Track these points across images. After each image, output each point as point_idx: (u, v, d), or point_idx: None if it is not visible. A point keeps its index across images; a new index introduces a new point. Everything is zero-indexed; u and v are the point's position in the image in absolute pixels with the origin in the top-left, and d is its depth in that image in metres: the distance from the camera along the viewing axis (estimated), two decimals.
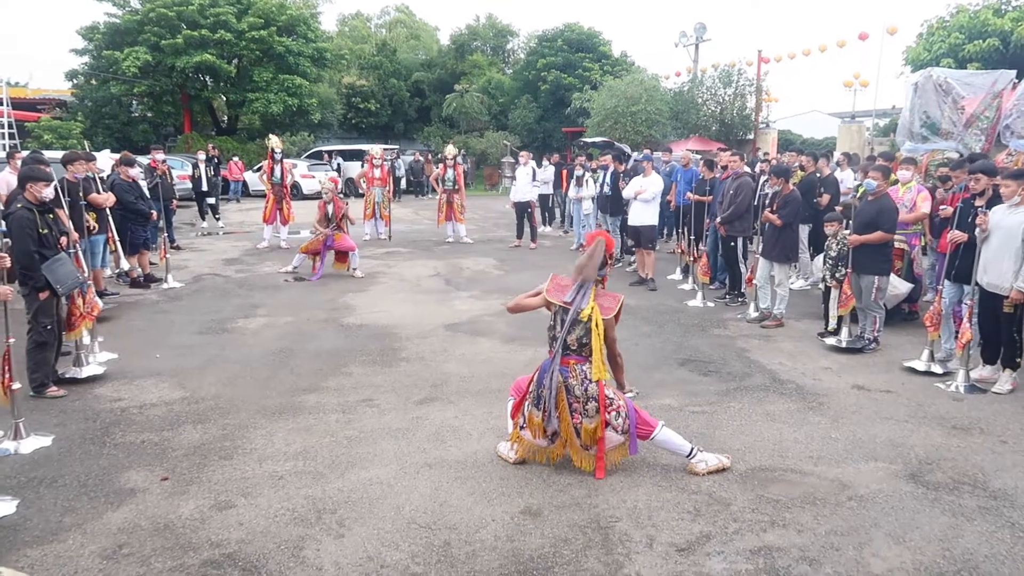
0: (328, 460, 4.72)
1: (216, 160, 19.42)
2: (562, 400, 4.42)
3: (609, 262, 4.71)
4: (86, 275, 6.67)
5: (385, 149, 18.71)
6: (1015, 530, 3.86)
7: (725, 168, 9.96)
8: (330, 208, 11.30)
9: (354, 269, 11.41)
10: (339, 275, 11.43)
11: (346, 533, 3.84)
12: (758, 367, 6.74)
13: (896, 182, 8.09)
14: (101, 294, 9.17)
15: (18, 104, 27.47)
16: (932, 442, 5.03)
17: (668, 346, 7.46)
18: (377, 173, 15.36)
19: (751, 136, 27.90)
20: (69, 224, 6.76)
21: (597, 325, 4.39)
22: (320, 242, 11.22)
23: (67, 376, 6.22)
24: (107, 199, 9.06)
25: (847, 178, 11.00)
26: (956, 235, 6.36)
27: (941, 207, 7.83)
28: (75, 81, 30.93)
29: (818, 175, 10.00)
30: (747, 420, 5.42)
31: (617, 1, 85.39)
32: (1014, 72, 10.13)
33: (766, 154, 20.71)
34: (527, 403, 4.58)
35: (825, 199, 9.66)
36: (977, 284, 6.13)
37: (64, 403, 5.74)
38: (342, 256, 11.47)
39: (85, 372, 6.30)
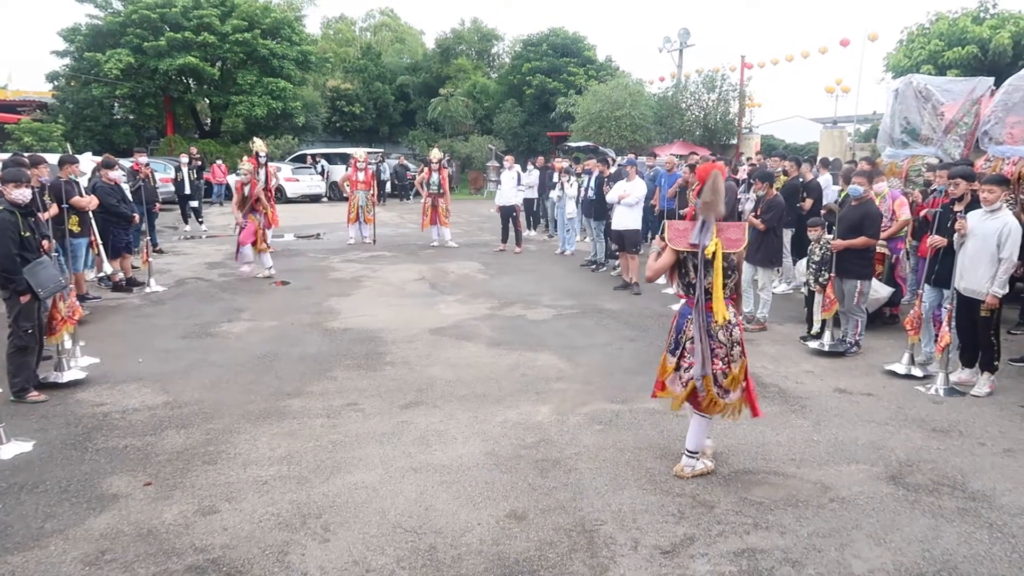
0: (313, 465, 4.71)
1: (199, 164, 19.27)
2: (705, 346, 4.33)
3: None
4: (67, 279, 6.61)
5: (369, 153, 18.68)
6: (993, 531, 3.92)
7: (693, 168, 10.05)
8: (246, 190, 11.30)
9: (269, 268, 11.45)
10: (324, 278, 11.39)
11: (331, 538, 3.83)
12: None
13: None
14: (82, 298, 9.10)
15: None
16: (912, 444, 5.09)
17: (652, 350, 7.48)
18: (361, 176, 15.34)
19: (734, 141, 28.10)
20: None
21: (720, 261, 4.28)
22: (251, 231, 11.30)
23: (48, 381, 6.15)
24: (90, 202, 8.99)
25: (825, 182, 11.10)
26: (936, 240, 6.44)
27: (923, 211, 7.92)
28: (56, 83, 30.63)
29: (801, 180, 10.09)
30: (731, 423, 5.43)
31: (602, 6, 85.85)
32: (992, 79, 10.26)
33: (749, 159, 20.89)
34: (665, 351, 4.61)
35: (808, 203, 9.74)
36: (955, 288, 6.22)
37: (45, 408, 5.68)
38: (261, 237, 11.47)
39: (66, 377, 6.23)
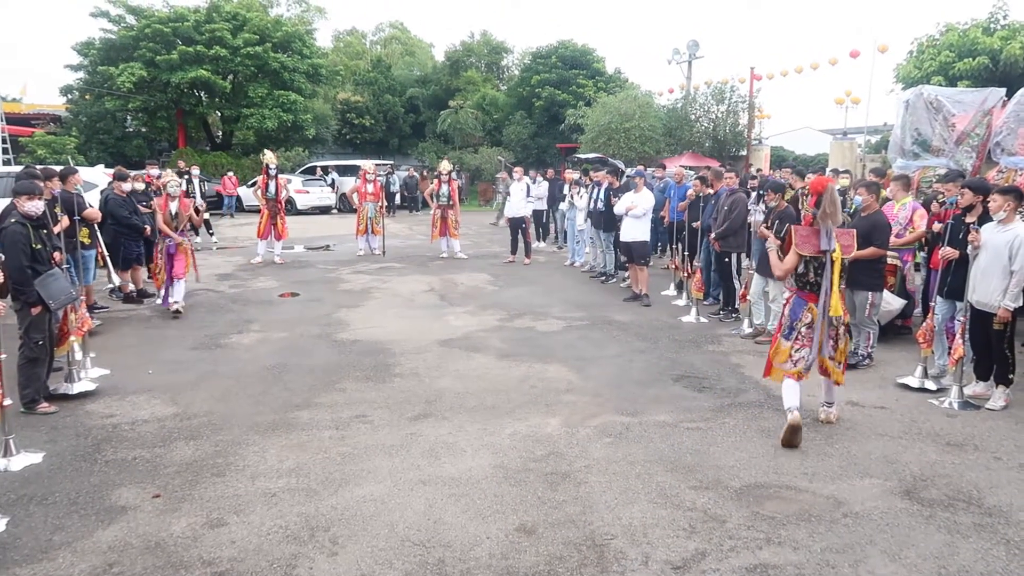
0: (321, 477, 4.69)
1: (187, 176, 17.97)
2: (824, 332, 5.29)
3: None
4: (78, 290, 6.65)
5: (378, 165, 18.75)
6: (1010, 547, 3.86)
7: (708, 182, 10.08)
8: (174, 207, 9.55)
9: (174, 302, 9.43)
10: (333, 290, 11.41)
11: (339, 551, 3.81)
12: (752, 383, 6.74)
13: (887, 200, 8.14)
14: (91, 308, 9.15)
15: (12, 119, 27.43)
16: (926, 459, 5.03)
17: (663, 362, 7.46)
18: (370, 188, 15.43)
19: (744, 152, 28.05)
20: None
21: (839, 263, 5.18)
22: (183, 264, 9.55)
23: (58, 392, 6.17)
24: (95, 214, 9.02)
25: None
26: (948, 252, 6.39)
27: (934, 223, 7.87)
28: (70, 96, 30.95)
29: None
30: (742, 436, 5.41)
31: (611, 19, 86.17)
32: (1004, 90, 10.22)
33: (759, 170, 20.82)
34: (779, 336, 5.47)
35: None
36: (968, 301, 6.16)
37: (55, 419, 5.69)
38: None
39: (76, 388, 6.26)
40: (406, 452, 5.10)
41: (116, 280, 10.24)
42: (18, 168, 9.74)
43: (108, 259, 9.68)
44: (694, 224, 9.95)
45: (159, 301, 9.85)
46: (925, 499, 4.41)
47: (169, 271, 9.47)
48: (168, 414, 5.85)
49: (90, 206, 9.18)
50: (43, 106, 33.15)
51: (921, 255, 8.38)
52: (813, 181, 5.43)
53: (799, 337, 5.31)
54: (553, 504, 4.32)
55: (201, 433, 5.44)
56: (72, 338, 6.29)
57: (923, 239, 8.08)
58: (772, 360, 5.49)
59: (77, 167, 9.18)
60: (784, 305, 5.56)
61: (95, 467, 4.83)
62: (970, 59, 19.51)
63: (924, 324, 6.60)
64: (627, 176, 12.27)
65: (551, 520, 4.13)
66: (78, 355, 6.54)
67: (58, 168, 8.66)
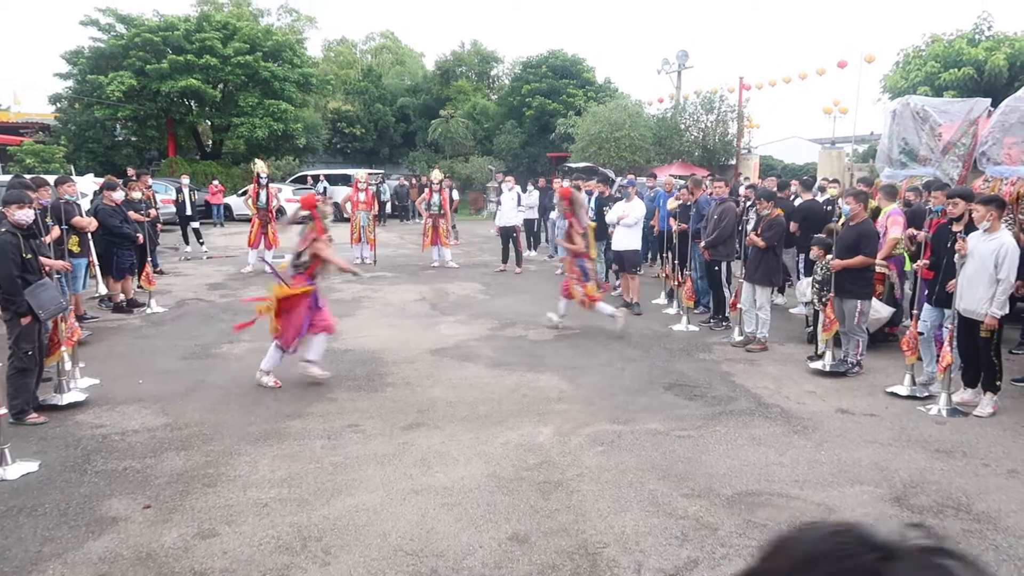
0: (313, 487, 4.68)
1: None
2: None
3: None
4: (68, 300, 6.62)
5: (370, 174, 18.75)
6: (999, 553, 3.89)
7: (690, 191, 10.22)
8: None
9: (309, 362, 6.99)
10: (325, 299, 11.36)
11: (332, 561, 3.80)
12: (743, 391, 6.77)
13: (879, 209, 8.23)
14: (80, 318, 9.10)
15: (1, 128, 27.33)
16: (916, 465, 5.06)
17: (654, 370, 7.48)
18: (362, 197, 15.43)
19: (733, 162, 28.21)
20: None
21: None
22: None
23: (48, 403, 6.13)
24: (89, 223, 9.01)
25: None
26: (920, 265, 6.55)
27: (920, 233, 7.95)
28: (59, 105, 30.82)
29: (796, 199, 10.18)
30: (733, 444, 5.44)
31: (601, 29, 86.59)
32: (989, 100, 10.33)
33: (747, 178, 20.92)
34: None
35: (794, 226, 9.79)
36: (956, 309, 6.22)
37: (44, 430, 5.66)
38: None
39: (66, 399, 6.22)
40: (398, 461, 5.09)
41: (103, 289, 10.18)
42: (7, 177, 9.70)
43: (99, 268, 9.63)
44: (681, 227, 10.02)
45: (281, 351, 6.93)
46: (915, 506, 4.45)
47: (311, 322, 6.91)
48: (159, 424, 5.82)
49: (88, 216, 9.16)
50: (32, 115, 33.02)
51: (919, 263, 8.46)
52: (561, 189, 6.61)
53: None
54: (546, 513, 4.33)
55: (192, 443, 5.42)
56: (63, 348, 6.26)
57: (909, 248, 8.16)
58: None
59: (73, 176, 9.17)
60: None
61: (85, 478, 4.80)
62: (955, 70, 19.71)
63: (908, 332, 6.66)
64: (619, 186, 12.33)
65: (544, 529, 4.13)
66: (67, 365, 6.50)
67: (50, 177, 8.64)
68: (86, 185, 13.50)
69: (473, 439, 5.50)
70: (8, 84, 75.37)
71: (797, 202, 10.96)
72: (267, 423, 5.84)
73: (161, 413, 6.08)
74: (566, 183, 14.55)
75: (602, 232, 11.71)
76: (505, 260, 14.77)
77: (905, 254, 8.26)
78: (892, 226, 8.00)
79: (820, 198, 11.30)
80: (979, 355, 6.20)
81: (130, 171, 17.59)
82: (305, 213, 6.85)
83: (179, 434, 5.61)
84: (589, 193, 12.18)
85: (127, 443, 5.42)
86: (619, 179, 16.88)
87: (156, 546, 3.93)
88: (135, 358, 7.87)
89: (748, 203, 9.94)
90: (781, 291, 10.62)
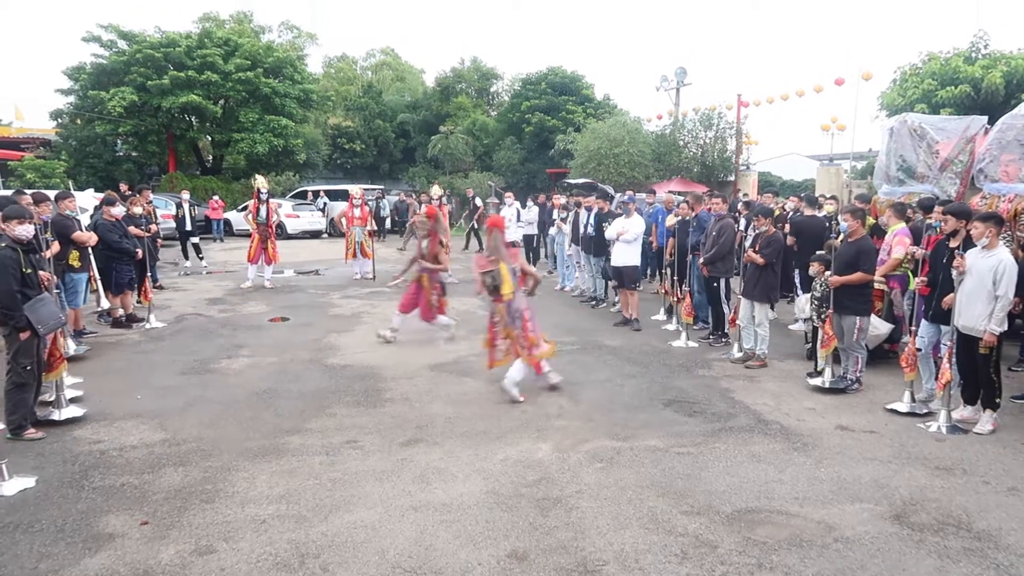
0: (311, 503, 4.66)
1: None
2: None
3: None
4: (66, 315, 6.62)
5: (366, 189, 18.81)
6: (1000, 571, 3.87)
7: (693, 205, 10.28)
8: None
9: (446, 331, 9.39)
10: (324, 314, 11.39)
11: None
12: (743, 408, 6.76)
13: (875, 225, 8.25)
14: (80, 333, 9.10)
15: (2, 143, 27.43)
16: (916, 483, 5.05)
17: (653, 387, 7.47)
18: (358, 212, 15.48)
19: (732, 178, 28.31)
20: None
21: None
22: None
23: (45, 418, 6.11)
24: (89, 238, 9.03)
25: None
26: (919, 283, 6.55)
27: (918, 249, 7.96)
28: (60, 120, 30.95)
29: (797, 213, 10.23)
30: (732, 461, 5.42)
31: (600, 46, 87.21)
32: (985, 118, 10.38)
33: (745, 195, 20.98)
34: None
35: (790, 240, 9.87)
36: (955, 326, 6.22)
37: (42, 445, 5.64)
38: None
39: (64, 414, 6.20)
40: (397, 478, 5.07)
41: (105, 303, 10.18)
42: (8, 192, 9.73)
43: (100, 283, 9.64)
44: (670, 246, 10.07)
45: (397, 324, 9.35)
46: (915, 523, 4.43)
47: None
48: (157, 440, 5.80)
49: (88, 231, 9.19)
50: (33, 130, 33.15)
51: (918, 280, 8.47)
52: (490, 219, 7.29)
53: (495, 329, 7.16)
54: (545, 530, 4.31)
55: (190, 459, 5.40)
56: (63, 364, 6.25)
57: (911, 266, 8.17)
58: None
59: (73, 192, 9.20)
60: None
61: (82, 494, 4.78)
62: (952, 87, 19.82)
63: (907, 348, 6.66)
64: (619, 202, 12.36)
65: (543, 546, 4.11)
66: (68, 380, 6.49)
67: (51, 193, 8.67)
68: (86, 200, 13.56)
69: (472, 455, 5.49)
70: (9, 99, 75.71)
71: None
72: (265, 439, 5.82)
73: (159, 429, 6.06)
74: (434, 203, 14.77)
75: (601, 248, 11.74)
76: None
77: (909, 272, 8.27)
78: (896, 246, 7.97)
79: (819, 214, 11.36)
80: (978, 372, 6.19)
81: (123, 187, 17.63)
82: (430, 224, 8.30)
83: (177, 450, 5.59)
84: (588, 209, 12.22)
85: (125, 459, 5.40)
86: (618, 195, 16.93)
87: (153, 563, 3.91)
88: (134, 373, 7.86)
89: (743, 219, 9.99)
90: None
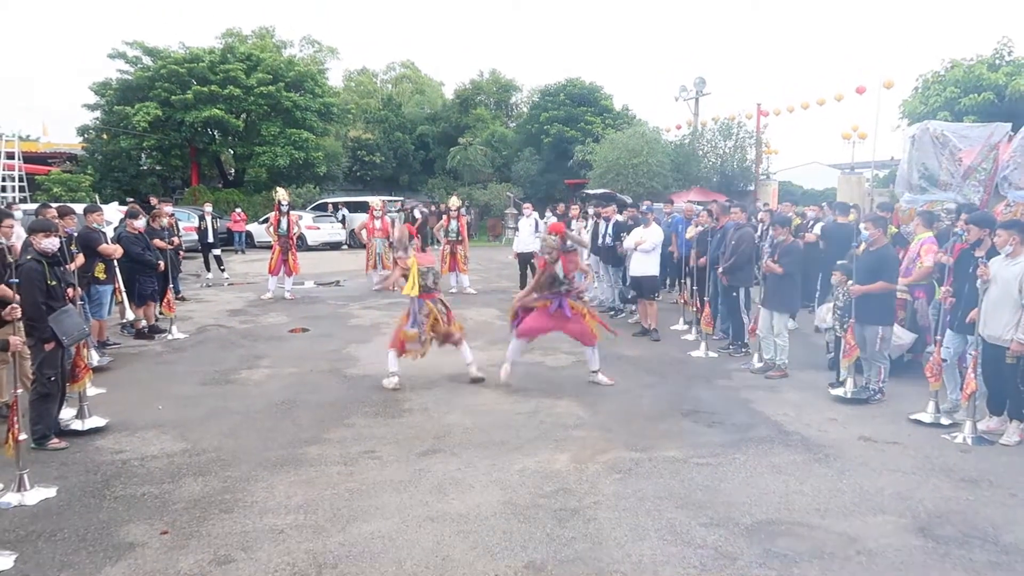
0: (329, 513, 4.67)
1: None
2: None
3: None
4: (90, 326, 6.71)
5: (386, 201, 18.94)
6: None
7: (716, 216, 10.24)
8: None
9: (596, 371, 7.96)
10: (343, 325, 11.45)
11: None
12: (763, 418, 6.69)
13: (897, 234, 8.16)
14: (103, 344, 9.22)
15: (30, 158, 27.90)
16: (940, 495, 4.96)
17: (672, 397, 7.43)
18: (378, 224, 15.57)
19: (752, 187, 28.18)
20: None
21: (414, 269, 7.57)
22: None
23: (69, 428, 6.19)
24: (115, 250, 9.17)
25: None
26: (944, 293, 6.47)
27: (944, 257, 7.86)
28: (86, 135, 31.53)
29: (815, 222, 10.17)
30: (753, 472, 5.37)
31: (618, 57, 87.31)
32: (1009, 125, 10.28)
33: (766, 204, 20.84)
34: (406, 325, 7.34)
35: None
36: (980, 335, 6.13)
37: (65, 455, 5.71)
38: None
39: (87, 424, 6.28)
40: (414, 488, 5.08)
41: (130, 315, 10.32)
42: (34, 206, 9.92)
43: (125, 294, 9.78)
44: (700, 260, 9.97)
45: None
46: (940, 536, 4.35)
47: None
48: (177, 450, 5.85)
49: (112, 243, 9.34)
50: (60, 145, 33.78)
51: (943, 290, 8.36)
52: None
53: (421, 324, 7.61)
54: (562, 541, 4.28)
55: (210, 469, 5.44)
56: (88, 375, 6.33)
57: (936, 275, 8.06)
58: (402, 340, 7.61)
59: (101, 205, 9.36)
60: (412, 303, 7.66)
61: (104, 503, 4.83)
62: (975, 95, 19.61)
63: (931, 358, 6.57)
64: (640, 213, 12.33)
65: (560, 557, 4.09)
66: (90, 391, 6.57)
67: (77, 207, 8.84)
68: (110, 213, 13.77)
69: (489, 466, 5.48)
70: (37, 115, 77.24)
71: (818, 227, 10.99)
72: (284, 449, 5.85)
73: (180, 439, 6.11)
74: (453, 213, 14.73)
75: (619, 258, 11.71)
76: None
77: (934, 282, 8.16)
78: (926, 255, 7.86)
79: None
80: (1005, 382, 6.09)
81: (152, 200, 17.91)
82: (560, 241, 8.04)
83: (197, 460, 5.63)
84: (607, 219, 12.20)
85: (146, 468, 5.45)
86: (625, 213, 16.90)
87: (172, 572, 3.94)
88: (155, 384, 7.94)
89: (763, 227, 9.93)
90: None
